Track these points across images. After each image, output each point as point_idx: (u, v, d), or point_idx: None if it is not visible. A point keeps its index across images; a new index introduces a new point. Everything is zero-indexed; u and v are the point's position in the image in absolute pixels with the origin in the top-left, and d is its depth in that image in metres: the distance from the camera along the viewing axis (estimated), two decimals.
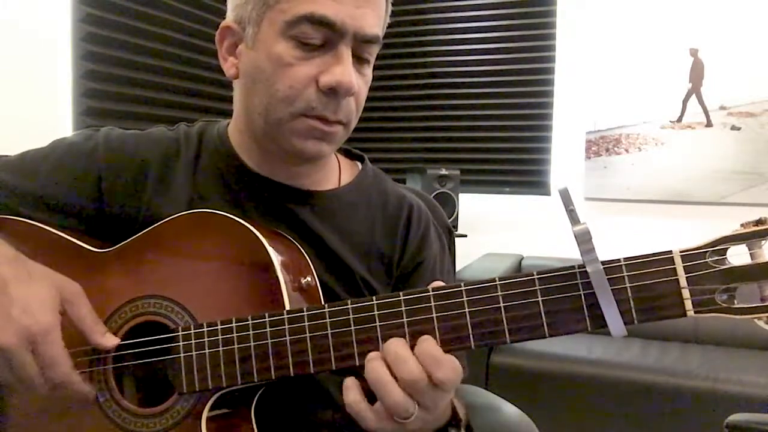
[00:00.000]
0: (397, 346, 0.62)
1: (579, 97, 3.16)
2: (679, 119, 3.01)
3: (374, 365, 0.62)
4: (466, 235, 2.91)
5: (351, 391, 0.64)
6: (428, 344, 0.62)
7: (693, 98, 2.97)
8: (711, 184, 2.95)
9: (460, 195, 2.95)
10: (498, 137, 3.38)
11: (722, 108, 2.93)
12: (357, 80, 0.77)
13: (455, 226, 2.90)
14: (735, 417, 1.45)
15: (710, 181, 2.96)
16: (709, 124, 2.96)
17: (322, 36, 0.73)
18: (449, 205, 2.87)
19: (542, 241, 3.05)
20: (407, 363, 0.61)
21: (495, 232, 3.25)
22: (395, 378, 0.61)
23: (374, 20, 0.76)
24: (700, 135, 2.98)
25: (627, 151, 3.10)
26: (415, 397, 0.61)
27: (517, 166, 3.36)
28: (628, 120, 3.09)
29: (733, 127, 2.92)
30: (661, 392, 2.31)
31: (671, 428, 2.30)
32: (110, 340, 0.73)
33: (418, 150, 3.54)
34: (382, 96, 3.53)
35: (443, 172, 2.91)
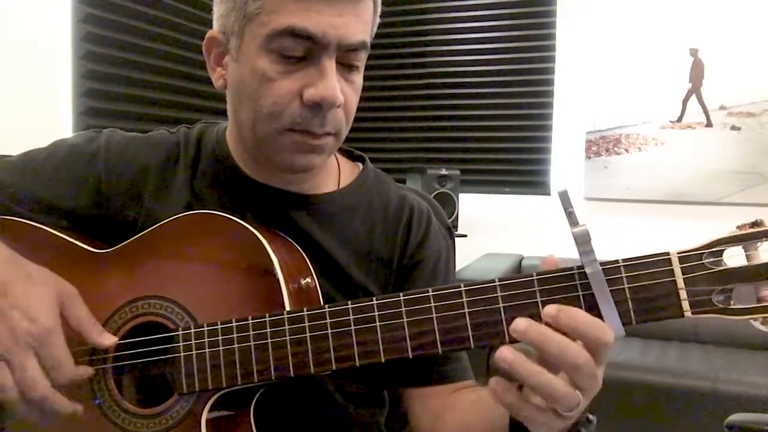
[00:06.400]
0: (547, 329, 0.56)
1: (579, 97, 3.16)
2: (679, 119, 3.01)
3: (522, 361, 0.56)
4: (466, 235, 2.91)
5: (508, 394, 0.58)
6: (583, 315, 0.57)
7: (693, 98, 2.97)
8: (711, 184, 2.95)
9: (460, 195, 2.96)
10: (498, 137, 3.38)
11: (722, 108, 2.93)
12: (345, 88, 0.75)
13: (455, 226, 2.91)
14: (735, 417, 1.45)
15: (710, 181, 2.96)
16: (709, 124, 2.96)
17: (304, 48, 0.71)
18: (449, 205, 2.87)
19: (542, 241, 3.04)
20: (571, 348, 0.56)
21: (495, 232, 3.25)
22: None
23: (358, 27, 0.73)
24: (700, 135, 2.98)
25: (627, 151, 3.10)
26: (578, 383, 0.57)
27: (517, 166, 3.36)
28: (628, 120, 3.09)
29: (733, 127, 2.92)
30: (661, 392, 2.31)
31: (671, 428, 2.30)
32: (107, 339, 0.73)
33: (418, 150, 3.54)
34: (382, 96, 3.53)
35: (443, 172, 2.91)
